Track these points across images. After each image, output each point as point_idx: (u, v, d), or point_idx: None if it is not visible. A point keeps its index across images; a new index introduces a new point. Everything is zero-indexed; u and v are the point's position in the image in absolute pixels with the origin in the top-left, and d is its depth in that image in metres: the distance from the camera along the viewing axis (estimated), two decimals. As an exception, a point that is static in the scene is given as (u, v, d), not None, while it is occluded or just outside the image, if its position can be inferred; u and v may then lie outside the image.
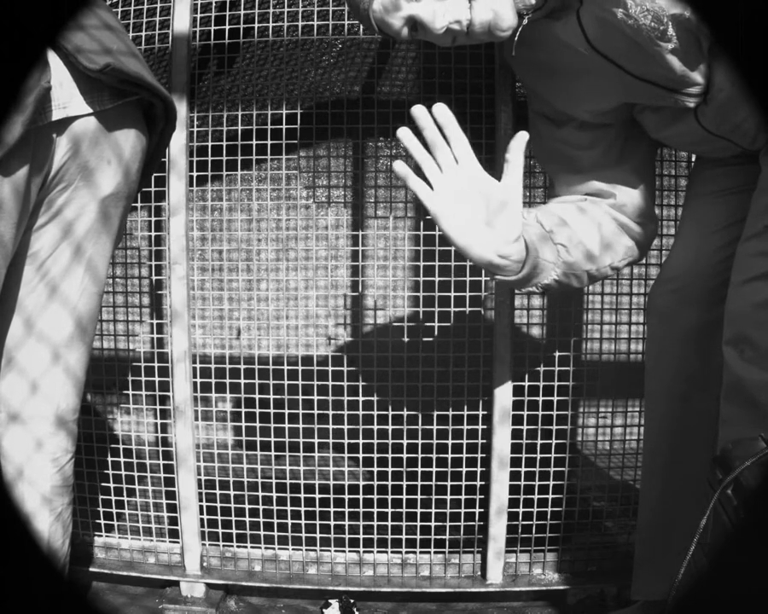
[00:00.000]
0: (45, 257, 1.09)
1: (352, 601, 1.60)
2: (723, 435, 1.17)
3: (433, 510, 1.61)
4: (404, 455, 1.62)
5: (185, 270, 1.55)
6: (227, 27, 1.59)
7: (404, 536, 1.62)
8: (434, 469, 1.61)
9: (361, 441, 1.62)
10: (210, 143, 1.60)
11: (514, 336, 1.58)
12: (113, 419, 1.87)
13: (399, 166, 1.15)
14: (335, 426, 1.62)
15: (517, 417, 1.58)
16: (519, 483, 1.59)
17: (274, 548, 1.65)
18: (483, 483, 1.60)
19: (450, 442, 1.60)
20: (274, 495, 1.61)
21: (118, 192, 1.12)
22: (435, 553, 1.64)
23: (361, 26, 1.61)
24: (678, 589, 0.81)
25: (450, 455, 1.61)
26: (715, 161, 1.37)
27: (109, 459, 1.64)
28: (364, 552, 1.65)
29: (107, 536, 1.68)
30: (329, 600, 1.60)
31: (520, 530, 1.61)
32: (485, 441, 1.59)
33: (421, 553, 1.64)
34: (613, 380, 1.65)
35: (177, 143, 1.52)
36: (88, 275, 1.13)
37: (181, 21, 1.51)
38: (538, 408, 1.59)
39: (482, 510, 1.61)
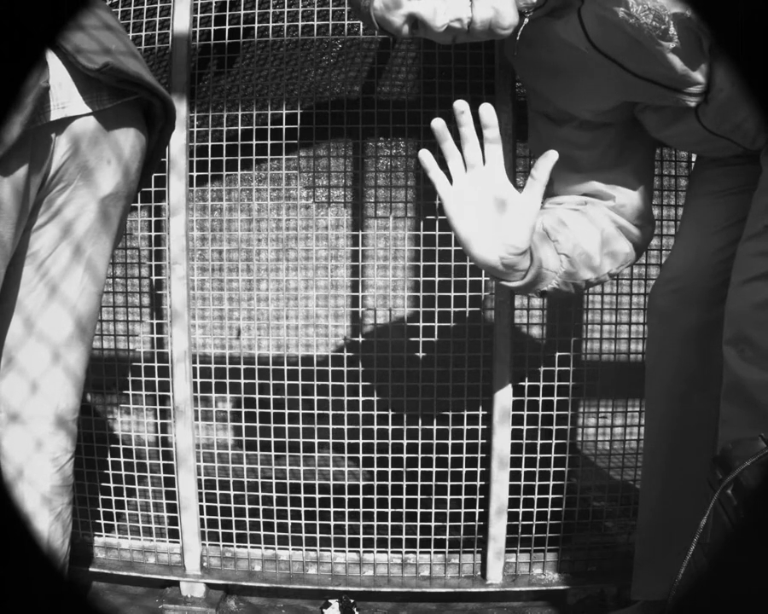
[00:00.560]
0: (45, 257, 1.09)
1: (352, 601, 1.60)
2: (723, 435, 1.17)
3: (433, 510, 1.61)
4: (404, 455, 1.62)
5: (185, 270, 1.55)
6: (227, 27, 1.59)
7: (404, 536, 1.62)
8: (434, 469, 1.61)
9: (361, 441, 1.62)
10: (210, 143, 1.60)
11: (514, 336, 1.58)
12: (113, 420, 1.87)
13: (425, 155, 1.13)
14: (335, 426, 1.62)
15: (517, 417, 1.58)
16: (519, 483, 1.59)
17: (274, 548, 1.65)
18: (483, 483, 1.60)
19: (450, 442, 1.60)
20: (274, 495, 1.61)
21: (117, 191, 1.12)
22: (435, 553, 1.64)
23: (361, 26, 1.61)
24: (678, 589, 0.81)
25: (450, 455, 1.61)
26: (716, 161, 1.37)
27: (109, 459, 1.64)
28: (364, 552, 1.65)
29: (107, 536, 1.68)
30: (329, 600, 1.60)
31: (520, 530, 1.61)
32: (485, 441, 1.59)
33: (421, 553, 1.64)
34: (613, 380, 1.65)
35: (177, 143, 1.52)
36: (87, 275, 1.13)
37: (181, 21, 1.51)
38: (538, 408, 1.59)
39: (482, 510, 1.61)
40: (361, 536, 1.62)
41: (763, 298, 1.13)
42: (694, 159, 1.70)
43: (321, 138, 1.80)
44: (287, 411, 1.61)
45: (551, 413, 1.59)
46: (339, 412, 1.62)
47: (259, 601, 1.66)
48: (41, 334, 1.11)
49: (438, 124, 1.13)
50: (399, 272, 2.03)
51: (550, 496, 1.60)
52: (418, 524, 1.61)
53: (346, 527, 1.63)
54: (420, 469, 1.61)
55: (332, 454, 1.65)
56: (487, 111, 1.11)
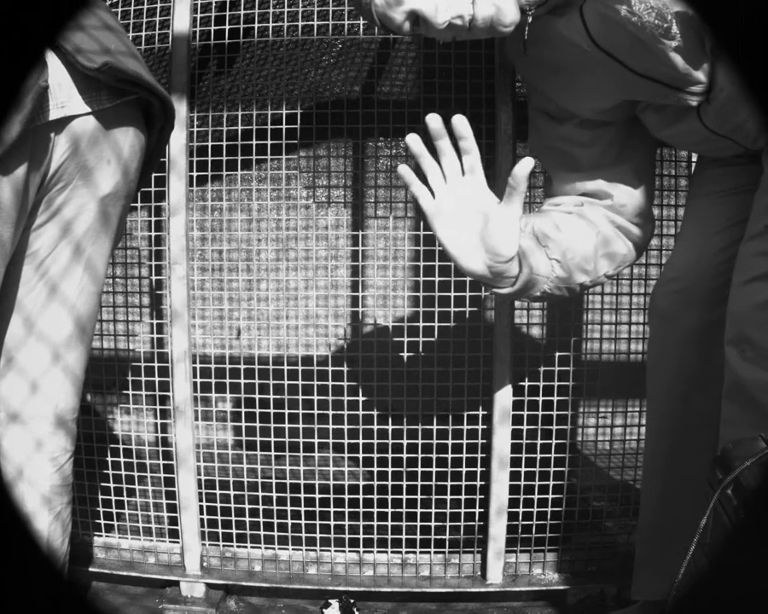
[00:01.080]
0: (44, 257, 1.09)
1: (352, 601, 1.60)
2: (724, 435, 1.17)
3: (433, 510, 1.61)
4: (404, 455, 1.62)
5: (185, 270, 1.55)
6: (227, 27, 1.59)
7: (404, 536, 1.62)
8: (434, 469, 1.61)
9: (361, 441, 1.61)
10: (210, 143, 1.60)
11: (514, 336, 1.58)
12: (113, 420, 1.87)
13: (404, 170, 1.14)
14: (335, 426, 1.62)
15: (517, 417, 1.58)
16: (519, 483, 1.59)
17: (274, 548, 1.65)
18: (483, 483, 1.60)
19: (450, 442, 1.60)
20: (274, 495, 1.61)
21: (117, 191, 1.12)
22: (435, 553, 1.64)
23: (361, 26, 1.61)
24: (678, 589, 0.81)
25: (450, 455, 1.60)
26: (717, 161, 1.36)
27: (109, 459, 1.64)
28: (364, 552, 1.65)
29: (107, 536, 1.68)
30: (329, 600, 1.60)
31: (520, 530, 1.61)
32: (485, 441, 1.59)
33: (421, 553, 1.64)
34: (613, 380, 1.65)
35: (177, 143, 1.52)
36: (87, 275, 1.13)
37: (181, 21, 1.51)
38: (538, 408, 1.59)
39: (482, 510, 1.61)
40: (361, 536, 1.62)
41: (764, 299, 1.13)
42: (694, 158, 1.70)
43: (321, 138, 1.80)
44: (287, 411, 1.61)
45: (551, 413, 1.59)
46: (339, 412, 1.62)
47: (259, 601, 1.66)
48: (40, 334, 1.11)
49: (412, 139, 1.13)
50: (399, 272, 2.03)
51: (550, 496, 1.60)
52: (418, 524, 1.61)
53: (346, 527, 1.63)
54: (420, 469, 1.61)
55: (332, 454, 1.65)
56: (460, 122, 1.12)
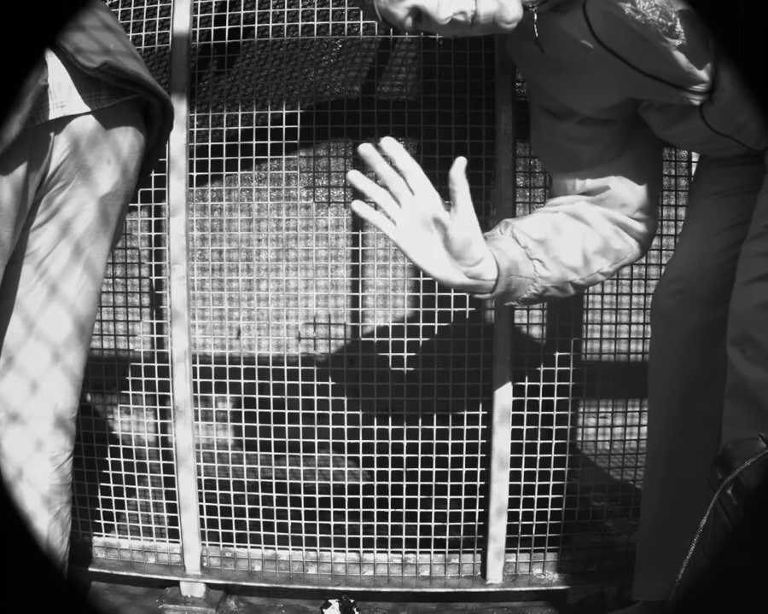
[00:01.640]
0: (44, 256, 1.09)
1: (352, 601, 1.60)
2: (726, 435, 1.17)
3: (433, 510, 1.61)
4: (404, 455, 1.62)
5: (185, 270, 1.55)
6: (227, 27, 1.59)
7: (404, 536, 1.62)
8: (434, 469, 1.61)
9: (361, 441, 1.61)
10: (210, 143, 1.60)
11: (514, 336, 1.58)
12: (113, 420, 1.87)
13: (359, 207, 1.15)
14: (335, 426, 1.62)
15: (517, 417, 1.58)
16: (519, 483, 1.59)
17: (274, 548, 1.65)
18: (483, 483, 1.60)
19: (450, 442, 1.60)
20: (274, 495, 1.61)
21: (116, 191, 1.13)
22: (435, 553, 1.64)
23: (361, 26, 1.61)
24: (678, 589, 0.81)
25: (450, 455, 1.60)
26: (719, 161, 1.36)
27: (109, 459, 1.64)
28: (364, 552, 1.64)
29: (106, 536, 1.68)
30: (329, 600, 1.60)
31: (520, 530, 1.61)
32: (485, 441, 1.59)
33: (421, 553, 1.64)
34: (613, 380, 1.65)
35: (177, 143, 1.52)
36: (86, 274, 1.13)
37: (181, 21, 1.51)
38: (538, 408, 1.59)
39: (482, 510, 1.61)
40: (361, 536, 1.62)
41: (766, 299, 1.12)
42: (694, 158, 1.70)
43: (321, 138, 1.80)
44: (287, 411, 1.61)
45: (551, 413, 1.59)
46: (339, 412, 1.62)
47: (259, 601, 1.66)
48: (40, 334, 1.11)
49: (353, 175, 1.14)
50: (399, 272, 2.03)
51: (550, 496, 1.60)
52: (418, 524, 1.61)
53: (346, 527, 1.63)
54: (420, 469, 1.61)
55: (332, 455, 1.65)
56: (387, 143, 1.12)
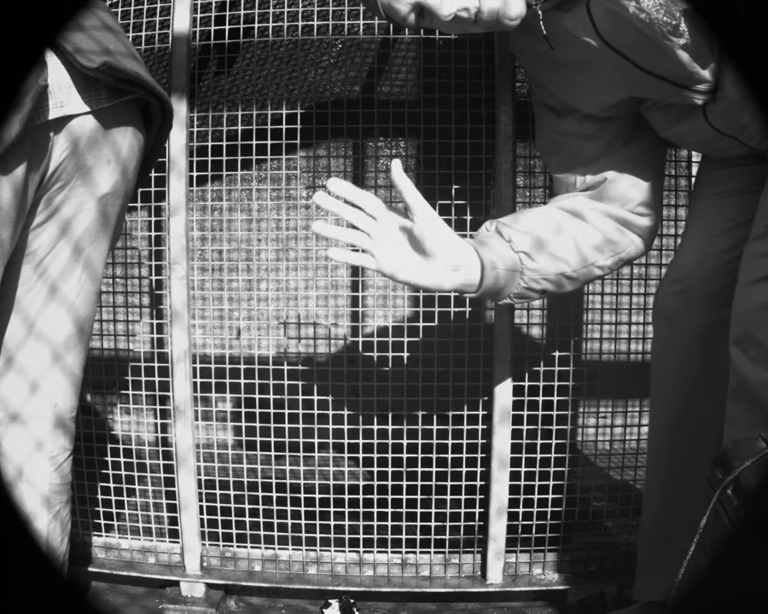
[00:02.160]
0: (43, 256, 1.09)
1: (352, 601, 1.60)
2: (728, 435, 1.17)
3: (433, 510, 1.61)
4: (404, 455, 1.62)
5: (185, 270, 1.55)
6: (227, 27, 1.59)
7: (404, 536, 1.62)
8: (434, 469, 1.61)
9: (361, 441, 1.61)
10: (210, 143, 1.60)
11: (514, 336, 1.58)
12: (113, 420, 1.87)
13: (336, 254, 1.17)
14: (335, 426, 1.62)
15: (517, 417, 1.58)
16: (519, 483, 1.59)
17: (274, 548, 1.65)
18: (483, 483, 1.60)
19: (450, 442, 1.60)
20: (274, 495, 1.61)
21: (115, 190, 1.13)
22: (435, 553, 1.64)
23: (361, 26, 1.61)
24: (678, 589, 0.81)
25: (450, 455, 1.60)
26: (721, 161, 1.36)
27: (109, 459, 1.64)
28: (364, 552, 1.64)
29: (106, 536, 1.68)
30: (329, 600, 1.60)
31: (520, 530, 1.61)
32: (485, 441, 1.59)
33: (421, 553, 1.64)
34: (613, 380, 1.65)
35: (177, 143, 1.52)
36: (86, 274, 1.13)
37: (181, 21, 1.51)
38: (538, 408, 1.59)
39: (482, 510, 1.61)
40: (361, 536, 1.62)
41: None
42: (694, 158, 1.70)
43: (321, 138, 1.80)
44: (287, 411, 1.61)
45: (551, 413, 1.59)
46: (339, 412, 1.62)
47: (259, 601, 1.66)
48: (40, 334, 1.11)
49: (317, 226, 1.17)
50: (399, 272, 2.02)
51: (550, 496, 1.60)
52: (418, 524, 1.61)
53: (346, 527, 1.63)
54: (420, 469, 1.61)
55: (332, 454, 1.65)
56: (332, 184, 1.16)
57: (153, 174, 1.52)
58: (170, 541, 1.67)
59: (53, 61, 1.00)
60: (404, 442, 1.61)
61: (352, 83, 2.09)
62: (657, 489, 1.41)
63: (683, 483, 1.36)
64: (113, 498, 1.65)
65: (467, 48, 1.58)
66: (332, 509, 1.62)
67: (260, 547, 1.65)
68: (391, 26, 1.62)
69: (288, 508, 1.63)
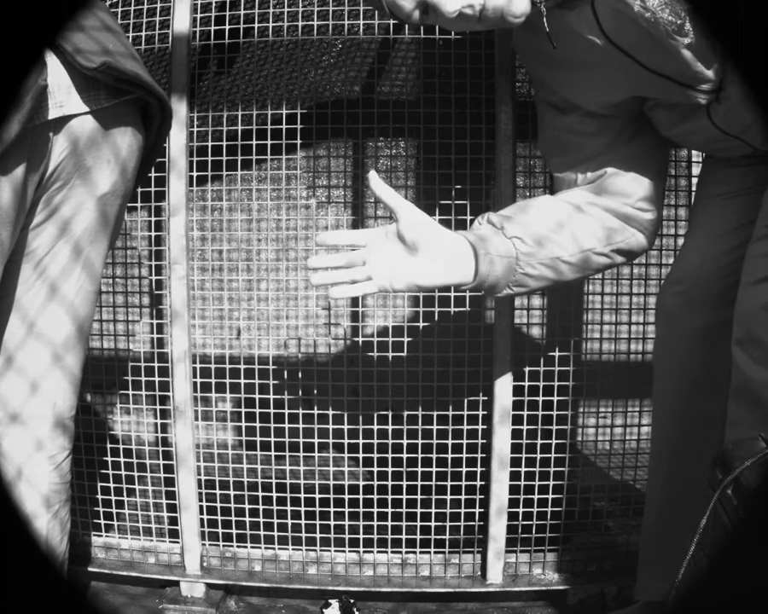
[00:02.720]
0: (42, 255, 1.09)
1: (352, 601, 1.60)
2: (730, 436, 1.17)
3: (433, 510, 1.61)
4: (404, 455, 1.62)
5: (185, 270, 1.55)
6: (227, 27, 1.59)
7: (404, 536, 1.62)
8: (434, 469, 1.61)
9: (361, 441, 1.61)
10: (210, 143, 1.60)
11: (514, 336, 1.58)
12: (113, 420, 1.87)
13: (336, 292, 1.21)
14: (335, 426, 1.62)
15: (517, 417, 1.58)
16: (519, 483, 1.59)
17: (274, 548, 1.65)
18: (483, 483, 1.60)
19: (450, 442, 1.60)
20: (274, 495, 1.61)
21: (115, 190, 1.13)
22: (435, 553, 1.64)
23: (361, 26, 1.61)
24: (678, 589, 0.81)
25: (450, 455, 1.60)
26: (724, 162, 1.35)
27: (109, 459, 1.64)
28: (364, 552, 1.64)
29: (106, 536, 1.68)
30: (329, 600, 1.60)
31: (520, 530, 1.61)
32: (485, 441, 1.59)
33: (421, 553, 1.64)
34: (613, 380, 1.65)
35: (177, 143, 1.52)
36: (85, 274, 1.13)
37: (181, 21, 1.51)
38: (538, 408, 1.59)
39: (482, 510, 1.61)
40: (361, 536, 1.62)
41: None
42: (694, 158, 1.70)
43: (321, 138, 1.80)
44: (287, 411, 1.61)
45: (551, 413, 1.59)
46: (339, 412, 1.62)
47: (259, 601, 1.66)
48: (39, 333, 1.11)
49: (315, 279, 1.22)
50: (399, 272, 2.02)
51: (550, 496, 1.60)
52: (418, 524, 1.61)
53: (346, 527, 1.63)
54: (420, 469, 1.61)
55: (332, 455, 1.65)
56: (322, 239, 1.22)
57: (153, 174, 1.52)
58: (170, 541, 1.67)
59: (53, 61, 1.00)
60: (404, 442, 1.61)
61: (352, 83, 2.09)
62: (658, 490, 1.41)
63: (685, 484, 1.36)
64: (113, 498, 1.65)
65: (467, 48, 1.58)
66: (332, 509, 1.62)
67: (260, 547, 1.65)
68: (391, 25, 1.62)
69: (288, 508, 1.63)
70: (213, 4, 1.60)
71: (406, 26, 1.62)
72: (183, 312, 1.56)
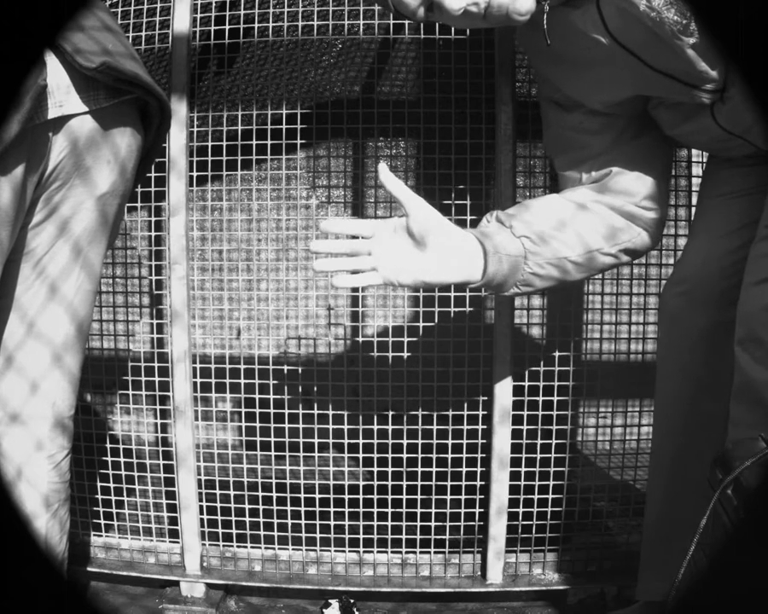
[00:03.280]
0: (42, 255, 1.10)
1: (352, 601, 1.60)
2: (732, 436, 1.17)
3: (433, 510, 1.61)
4: (404, 455, 1.62)
5: (185, 270, 1.55)
6: (227, 27, 1.59)
7: (404, 536, 1.62)
8: (434, 469, 1.61)
9: (361, 441, 1.61)
10: (210, 143, 1.60)
11: (514, 336, 1.58)
12: (113, 420, 1.87)
13: (340, 281, 1.20)
14: (335, 426, 1.62)
15: (517, 417, 1.58)
16: (519, 483, 1.59)
17: (274, 548, 1.65)
18: (483, 483, 1.60)
19: (450, 442, 1.60)
20: (274, 495, 1.61)
21: (114, 190, 1.13)
22: (435, 553, 1.64)
23: (361, 26, 1.61)
24: (678, 589, 0.81)
25: (450, 455, 1.60)
26: (728, 161, 1.35)
27: (109, 459, 1.64)
28: (364, 552, 1.64)
29: (106, 536, 1.68)
30: (329, 600, 1.60)
31: (520, 530, 1.61)
32: (485, 441, 1.59)
33: (421, 553, 1.64)
34: (613, 380, 1.65)
35: (177, 143, 1.52)
36: (84, 273, 1.13)
37: (181, 21, 1.51)
38: (538, 408, 1.59)
39: (482, 510, 1.61)
40: (361, 536, 1.62)
41: None
42: (695, 158, 1.70)
43: (321, 138, 1.80)
44: (287, 411, 1.61)
45: (551, 413, 1.59)
46: (339, 412, 1.62)
47: (259, 601, 1.66)
48: (39, 333, 1.11)
49: (319, 264, 1.20)
50: (399, 272, 2.02)
51: (550, 496, 1.60)
52: (418, 524, 1.61)
53: (346, 527, 1.63)
54: (420, 469, 1.61)
55: (332, 455, 1.65)
56: (325, 226, 1.21)
57: (153, 174, 1.52)
58: (170, 541, 1.67)
59: (52, 61, 1.00)
60: (404, 442, 1.61)
61: (352, 83, 2.09)
62: (660, 490, 1.41)
63: (686, 484, 1.35)
64: (113, 498, 1.65)
65: (467, 48, 1.58)
66: (332, 509, 1.62)
67: (260, 547, 1.65)
68: (391, 25, 1.62)
69: (288, 508, 1.63)
70: (213, 4, 1.60)
71: (406, 26, 1.62)
72: (183, 312, 1.56)
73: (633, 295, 1.68)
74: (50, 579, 0.97)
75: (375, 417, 1.62)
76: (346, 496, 1.62)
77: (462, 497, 1.61)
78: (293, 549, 1.65)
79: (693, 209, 1.63)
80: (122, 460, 1.64)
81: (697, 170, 1.69)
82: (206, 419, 1.78)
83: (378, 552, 1.64)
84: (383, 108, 1.63)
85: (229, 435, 1.89)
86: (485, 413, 1.59)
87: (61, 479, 1.16)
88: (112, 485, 1.64)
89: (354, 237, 1.22)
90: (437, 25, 1.58)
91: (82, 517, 1.65)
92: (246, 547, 1.66)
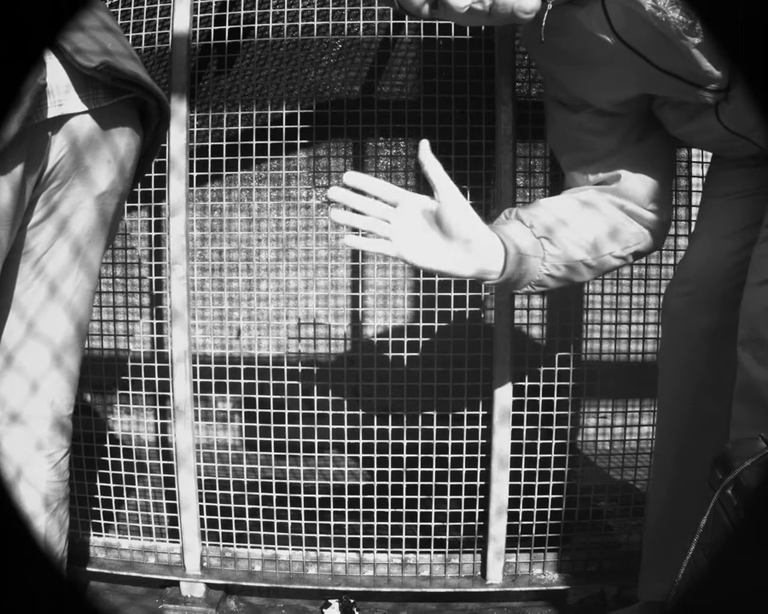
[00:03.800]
0: (41, 254, 1.10)
1: (352, 601, 1.60)
2: (733, 436, 1.17)
3: (433, 510, 1.61)
4: (404, 455, 1.62)
5: (185, 270, 1.55)
6: (227, 27, 1.59)
7: (404, 536, 1.62)
8: (434, 469, 1.61)
9: (361, 441, 1.61)
10: (210, 143, 1.60)
11: (514, 336, 1.57)
12: (113, 420, 1.87)
13: (351, 241, 1.15)
14: (335, 426, 1.62)
15: (517, 417, 1.58)
16: (519, 483, 1.59)
17: (274, 548, 1.65)
18: (483, 483, 1.60)
19: (450, 442, 1.60)
20: (274, 495, 1.61)
21: (113, 189, 1.13)
22: (435, 553, 1.64)
23: (361, 26, 1.61)
24: (678, 589, 0.81)
25: (450, 455, 1.60)
26: (732, 162, 1.35)
27: (109, 459, 1.64)
28: (364, 552, 1.64)
29: (106, 536, 1.68)
30: (329, 600, 1.60)
31: (520, 530, 1.61)
32: (485, 441, 1.59)
33: (421, 553, 1.64)
34: (613, 380, 1.65)
35: (177, 143, 1.52)
36: (83, 273, 1.13)
37: (181, 21, 1.51)
38: (538, 408, 1.59)
39: (482, 510, 1.61)
40: (361, 536, 1.62)
41: None
42: (695, 158, 1.70)
43: (321, 138, 1.80)
44: (287, 411, 1.61)
45: (551, 413, 1.59)
46: (339, 412, 1.62)
47: (259, 601, 1.66)
48: (38, 333, 1.11)
49: (334, 214, 1.14)
50: (399, 272, 2.03)
51: (550, 496, 1.60)
52: (418, 524, 1.61)
53: (346, 527, 1.63)
54: (420, 469, 1.61)
55: (332, 455, 1.65)
56: (348, 177, 1.13)
57: (153, 174, 1.52)
58: (170, 541, 1.67)
59: (52, 61, 1.00)
60: (404, 442, 1.61)
61: (352, 83, 2.09)
62: (662, 489, 1.41)
63: (689, 484, 1.35)
64: (113, 498, 1.65)
65: (467, 48, 1.58)
66: (332, 509, 1.62)
67: (260, 547, 1.65)
68: (391, 25, 1.62)
69: (288, 508, 1.63)
70: (213, 4, 1.60)
71: (406, 26, 1.62)
72: (183, 312, 1.56)
73: (633, 295, 1.68)
74: (50, 579, 0.97)
75: (375, 417, 1.62)
76: (346, 496, 1.62)
77: (462, 497, 1.61)
78: (293, 549, 1.65)
79: (693, 209, 1.63)
80: (122, 460, 1.64)
81: (697, 170, 1.69)
82: (206, 419, 1.78)
83: (378, 552, 1.64)
84: (383, 108, 1.63)
85: (229, 435, 1.89)
86: (485, 413, 1.59)
87: (60, 478, 1.16)
88: (112, 485, 1.64)
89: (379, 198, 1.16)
90: (437, 24, 1.58)
91: (82, 517, 1.65)
92: (246, 547, 1.66)
